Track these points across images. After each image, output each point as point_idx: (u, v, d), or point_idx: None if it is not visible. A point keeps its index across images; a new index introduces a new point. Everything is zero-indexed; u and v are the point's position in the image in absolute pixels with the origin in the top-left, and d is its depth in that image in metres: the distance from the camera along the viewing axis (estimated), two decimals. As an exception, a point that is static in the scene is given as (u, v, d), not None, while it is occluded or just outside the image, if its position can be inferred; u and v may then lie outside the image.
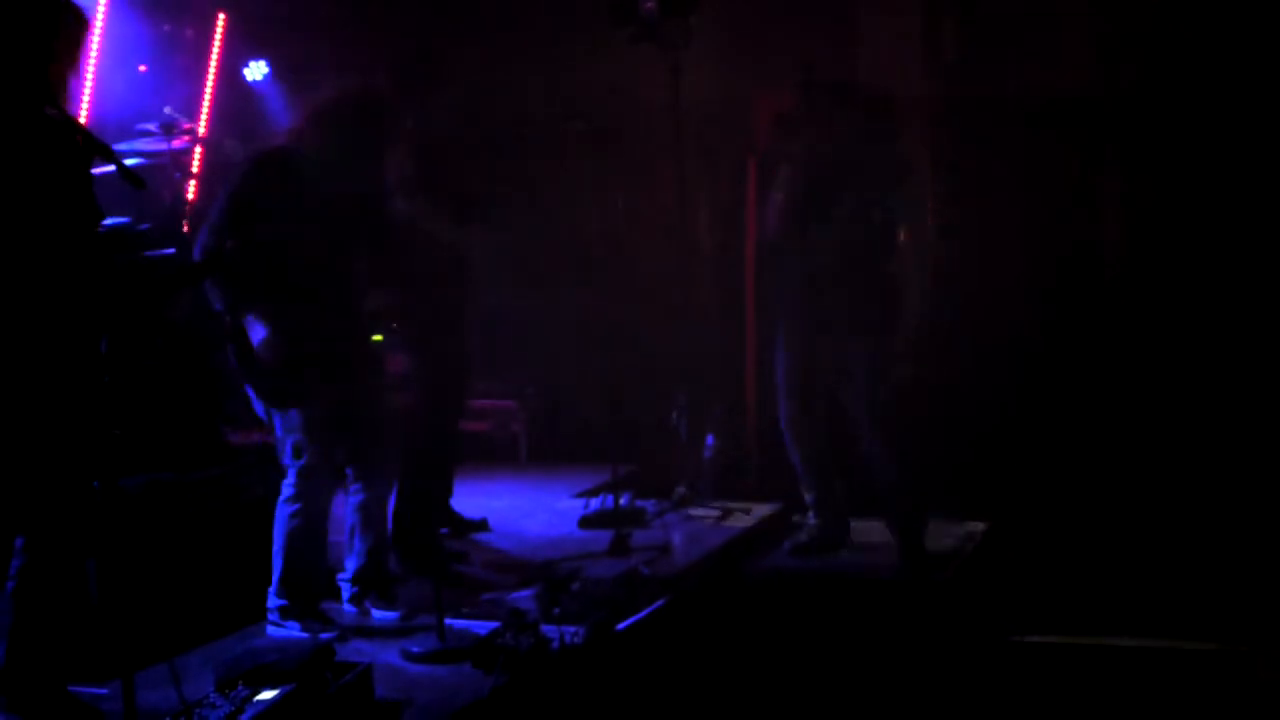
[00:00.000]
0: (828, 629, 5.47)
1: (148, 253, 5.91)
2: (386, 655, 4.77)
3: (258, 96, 7.50)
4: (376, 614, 5.20)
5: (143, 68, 6.87)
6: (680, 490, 6.91)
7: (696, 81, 6.89)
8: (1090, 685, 4.99)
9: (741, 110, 7.85)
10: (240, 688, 4.00)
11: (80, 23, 4.06)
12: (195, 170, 7.01)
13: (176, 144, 6.41)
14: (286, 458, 5.00)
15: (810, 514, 6.40)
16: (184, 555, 5.03)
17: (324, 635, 4.80)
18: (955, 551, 6.27)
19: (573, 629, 4.84)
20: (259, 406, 5.02)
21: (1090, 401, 7.75)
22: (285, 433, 4.98)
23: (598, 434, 7.21)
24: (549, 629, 4.81)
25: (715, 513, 6.77)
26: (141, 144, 6.39)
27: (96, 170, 4.03)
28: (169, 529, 5.05)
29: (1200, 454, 7.15)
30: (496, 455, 8.05)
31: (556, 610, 5.08)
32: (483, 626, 4.91)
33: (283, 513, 5.01)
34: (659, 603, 5.35)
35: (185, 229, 6.34)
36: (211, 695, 4.00)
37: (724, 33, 7.58)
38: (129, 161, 5.21)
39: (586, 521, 6.61)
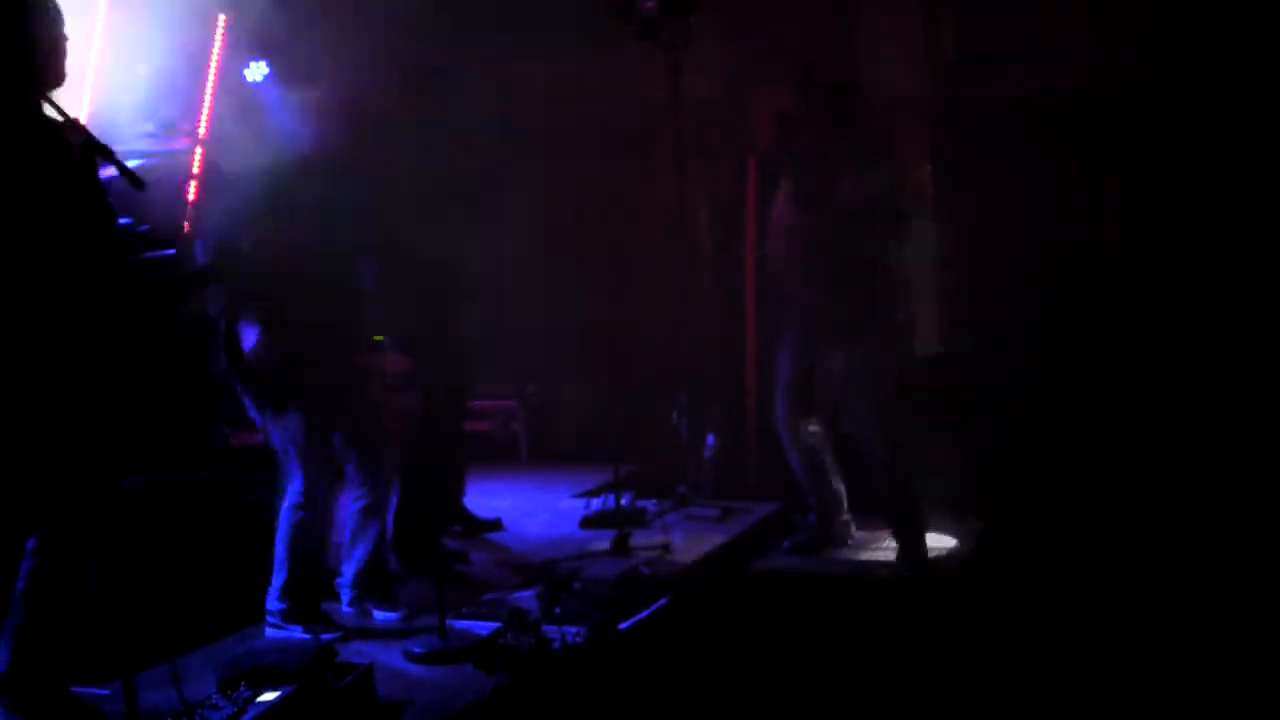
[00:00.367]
0: (828, 629, 5.47)
1: (148, 254, 5.91)
2: (388, 656, 4.77)
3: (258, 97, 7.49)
4: (378, 615, 5.20)
5: (142, 68, 6.86)
6: (681, 490, 6.91)
7: (696, 81, 6.89)
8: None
9: (741, 110, 7.85)
10: (242, 689, 4.00)
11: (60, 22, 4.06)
12: (195, 171, 7.00)
13: (176, 145, 6.41)
14: (291, 463, 4.99)
15: (810, 514, 6.40)
16: (184, 555, 5.03)
17: (326, 636, 4.80)
18: (955, 551, 6.27)
19: (574, 629, 4.84)
20: (253, 410, 5.02)
21: (1090, 401, 7.75)
22: (283, 438, 4.98)
23: (598, 434, 7.21)
24: (550, 629, 4.81)
25: (716, 513, 6.77)
26: (141, 145, 6.39)
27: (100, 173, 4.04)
28: (169, 529, 5.05)
29: (1200, 453, 7.15)
30: (497, 455, 8.06)
31: (558, 610, 5.08)
32: (484, 627, 4.91)
33: (290, 519, 5.00)
34: (660, 603, 5.35)
35: (186, 230, 6.33)
36: (213, 696, 4.00)
37: (724, 32, 7.59)
38: (129, 163, 5.20)
39: (588, 521, 6.61)
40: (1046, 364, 7.86)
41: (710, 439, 7.15)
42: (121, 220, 5.83)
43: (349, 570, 5.25)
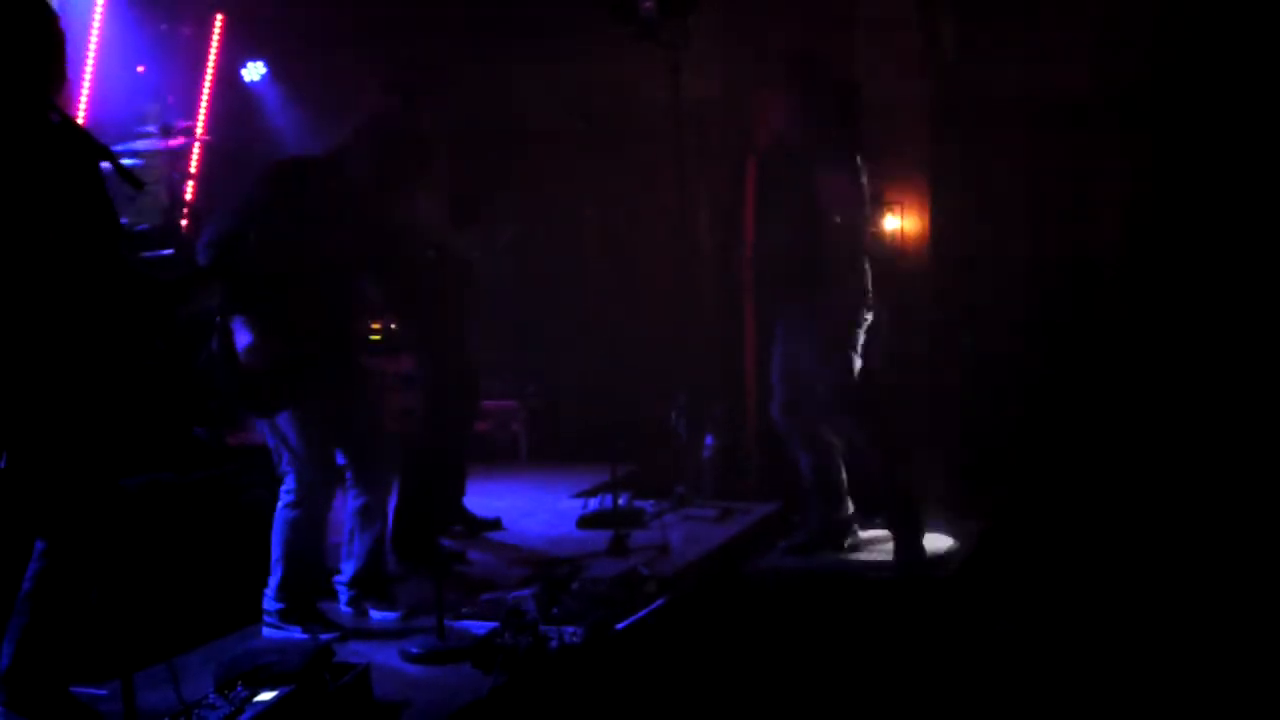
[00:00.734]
0: (826, 629, 5.47)
1: (145, 254, 5.91)
2: (385, 656, 4.76)
3: (255, 97, 7.52)
4: (375, 615, 5.20)
5: (140, 68, 6.88)
6: (679, 490, 6.91)
7: (696, 81, 6.89)
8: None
9: (741, 110, 7.85)
10: (239, 688, 4.00)
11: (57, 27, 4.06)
12: (193, 171, 7.01)
13: (174, 144, 6.42)
14: (284, 464, 5.00)
15: (811, 513, 6.39)
16: (183, 555, 5.02)
17: (324, 636, 4.81)
18: (955, 551, 6.27)
19: (571, 629, 4.83)
20: (246, 410, 5.03)
21: (1090, 401, 7.75)
22: (276, 440, 4.99)
23: (597, 434, 7.21)
24: (548, 629, 4.80)
25: (714, 513, 6.77)
26: (139, 144, 6.40)
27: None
28: (169, 529, 5.05)
29: (1200, 452, 7.15)
30: (496, 455, 8.06)
31: (555, 610, 5.07)
32: (482, 627, 4.91)
33: (283, 517, 5.00)
34: (658, 603, 5.34)
35: (184, 229, 6.34)
36: (211, 696, 4.00)
37: (724, 32, 7.59)
38: (126, 162, 5.21)
39: (586, 521, 6.61)
40: (1046, 364, 7.86)
41: (709, 439, 7.15)
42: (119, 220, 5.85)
43: (347, 569, 5.25)
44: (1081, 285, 8.07)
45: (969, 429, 7.65)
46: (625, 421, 7.02)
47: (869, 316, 6.08)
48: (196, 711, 3.90)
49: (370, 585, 5.23)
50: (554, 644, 4.71)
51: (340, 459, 5.14)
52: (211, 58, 7.30)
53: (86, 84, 6.26)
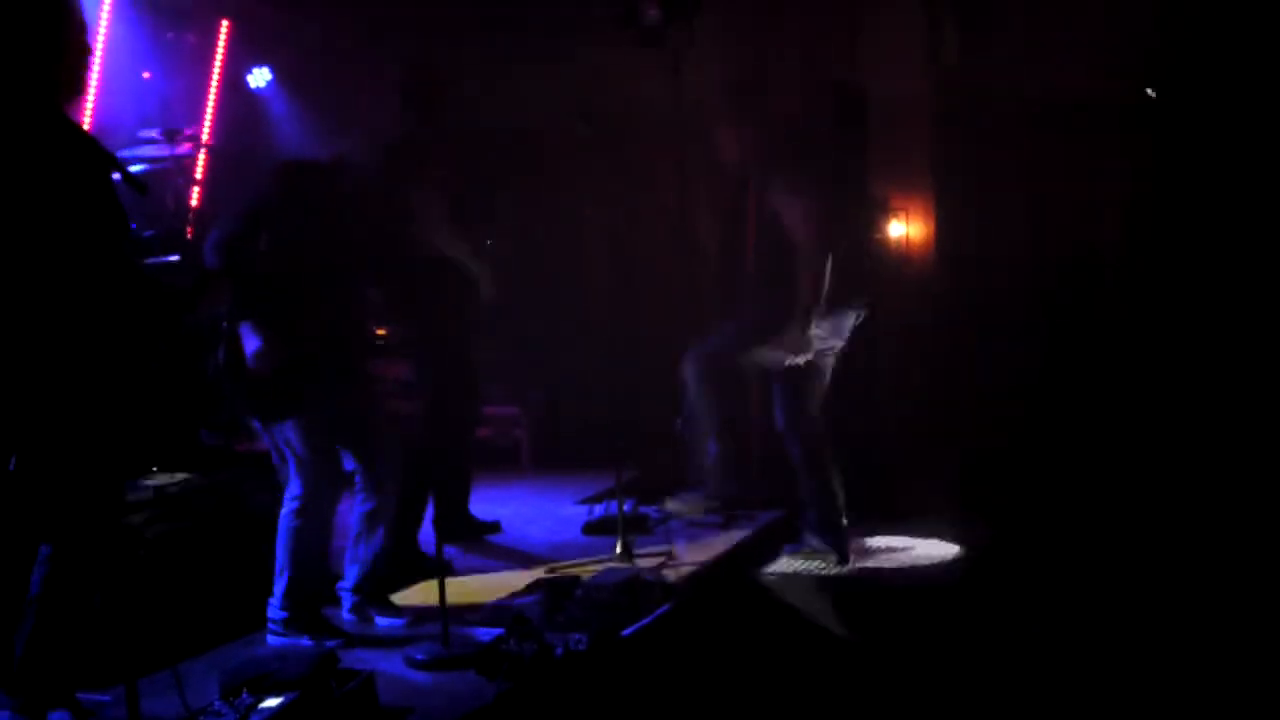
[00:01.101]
0: (831, 635, 5.47)
1: (151, 260, 5.92)
2: (390, 662, 4.76)
3: (261, 103, 7.53)
4: (380, 621, 5.21)
5: (146, 74, 6.89)
6: (684, 496, 6.90)
7: (697, 82, 6.89)
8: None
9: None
10: (244, 695, 4.01)
11: (81, 29, 4.08)
12: (199, 177, 7.02)
13: (179, 150, 6.42)
14: (289, 468, 5.00)
15: (807, 511, 6.38)
16: (189, 561, 5.03)
17: (329, 643, 4.81)
18: (956, 556, 6.28)
19: (576, 635, 4.83)
20: (251, 415, 5.03)
21: (1091, 402, 7.77)
22: (280, 445, 4.99)
23: (600, 439, 7.21)
24: (553, 636, 4.80)
25: (718, 519, 6.77)
26: (145, 150, 6.40)
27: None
28: (174, 534, 5.05)
29: (1201, 453, 7.17)
30: (499, 461, 8.05)
31: (560, 617, 5.08)
32: (486, 633, 4.90)
33: (287, 524, 5.00)
34: (662, 609, 5.35)
35: (189, 236, 6.35)
36: (216, 703, 4.00)
37: (724, 32, 7.59)
38: (132, 168, 5.23)
39: (590, 528, 6.61)
40: (1046, 364, 7.88)
41: (712, 445, 7.14)
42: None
43: (350, 574, 5.25)
44: (1081, 285, 8.09)
45: (970, 429, 7.67)
46: (626, 421, 7.02)
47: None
48: (201, 718, 3.91)
49: (375, 591, 5.24)
50: (559, 651, 4.71)
51: (349, 463, 5.15)
52: (217, 64, 7.30)
53: (92, 90, 6.26)
